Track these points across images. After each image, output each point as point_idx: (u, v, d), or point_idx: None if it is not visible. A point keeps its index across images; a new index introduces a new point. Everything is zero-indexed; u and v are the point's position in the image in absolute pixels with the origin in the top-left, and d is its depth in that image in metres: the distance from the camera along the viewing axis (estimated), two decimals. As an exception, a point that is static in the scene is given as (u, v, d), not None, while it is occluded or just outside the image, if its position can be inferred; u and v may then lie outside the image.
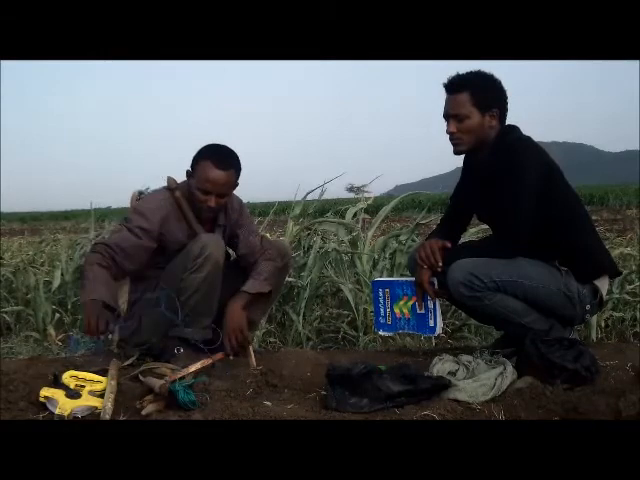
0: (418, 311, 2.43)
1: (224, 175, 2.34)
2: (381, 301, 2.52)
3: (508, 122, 2.37)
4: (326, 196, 3.61)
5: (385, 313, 2.52)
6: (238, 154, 2.44)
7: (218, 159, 2.35)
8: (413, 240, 3.60)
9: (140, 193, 2.52)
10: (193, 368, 2.02)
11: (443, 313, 3.12)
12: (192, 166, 2.40)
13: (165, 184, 2.48)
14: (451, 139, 2.33)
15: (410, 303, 2.45)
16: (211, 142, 2.43)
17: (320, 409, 1.86)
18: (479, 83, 2.30)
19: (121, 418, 1.81)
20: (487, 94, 2.30)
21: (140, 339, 2.38)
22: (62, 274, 3.79)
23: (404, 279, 2.59)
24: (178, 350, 2.34)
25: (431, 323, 2.42)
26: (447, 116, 2.32)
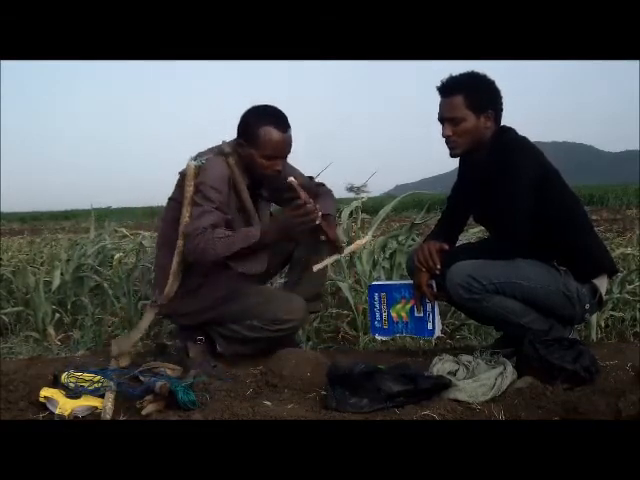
0: (416, 314, 2.42)
1: (288, 136, 2.31)
2: (377, 305, 2.51)
3: (509, 122, 2.37)
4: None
5: (381, 317, 2.51)
6: None
7: (279, 121, 2.29)
8: (413, 240, 3.60)
9: (197, 167, 2.32)
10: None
11: (442, 314, 3.12)
12: (246, 134, 2.31)
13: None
14: (447, 142, 2.33)
15: (408, 306, 2.44)
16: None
17: (320, 409, 1.86)
18: (473, 85, 2.29)
19: (121, 418, 1.81)
20: (481, 96, 2.30)
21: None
22: (62, 274, 3.79)
23: (401, 282, 2.59)
24: (200, 340, 2.37)
25: (430, 326, 2.41)
26: (442, 119, 2.32)
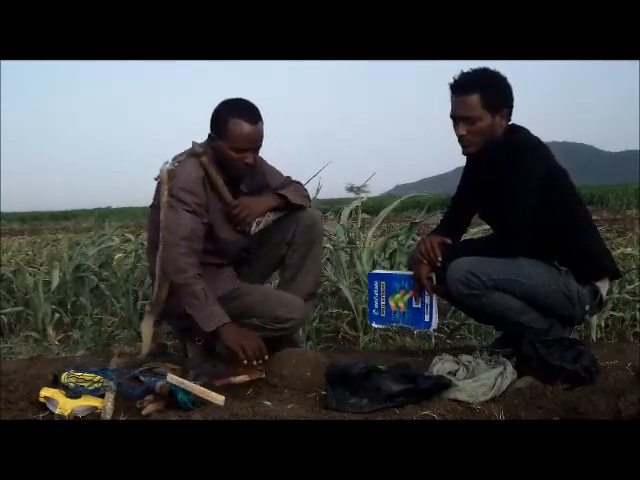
0: (414, 305, 2.42)
1: (257, 128, 2.29)
2: (376, 294, 2.51)
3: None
4: (326, 196, 3.60)
5: (379, 306, 2.51)
6: None
7: (247, 114, 2.28)
8: (413, 239, 3.60)
9: (169, 171, 2.32)
10: (239, 379, 2.06)
11: (442, 313, 3.12)
12: (216, 128, 2.31)
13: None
14: (460, 141, 2.30)
15: (407, 297, 2.44)
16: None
17: (320, 409, 1.86)
18: (489, 84, 2.25)
19: (121, 418, 1.81)
20: (498, 94, 2.26)
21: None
22: (63, 274, 3.79)
23: (402, 272, 2.60)
24: (198, 340, 2.37)
25: (427, 318, 2.41)
26: (456, 117, 2.28)
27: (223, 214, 2.35)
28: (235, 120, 2.26)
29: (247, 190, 2.45)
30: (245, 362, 2.09)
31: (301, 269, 2.48)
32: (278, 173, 2.55)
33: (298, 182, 2.58)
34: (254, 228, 2.49)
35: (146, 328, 2.39)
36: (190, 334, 2.42)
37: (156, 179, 2.34)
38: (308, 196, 2.56)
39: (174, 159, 2.34)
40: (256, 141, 2.31)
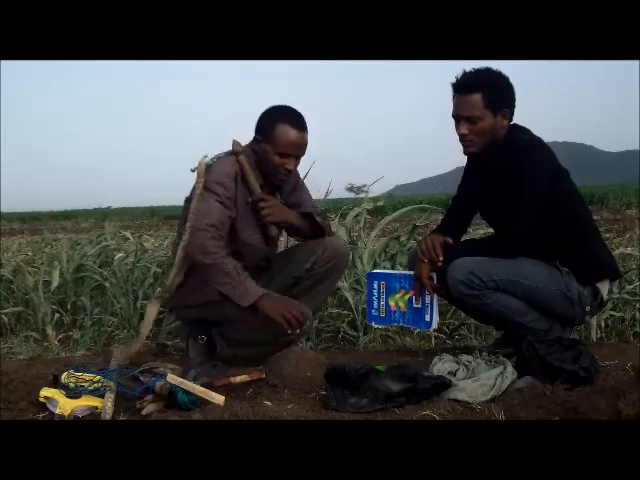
0: (414, 305, 2.42)
1: (303, 136, 2.34)
2: (375, 294, 2.51)
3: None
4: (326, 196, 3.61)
5: (379, 306, 2.51)
6: None
7: (296, 121, 2.33)
8: (415, 239, 3.60)
9: (208, 165, 2.36)
10: (239, 379, 2.08)
11: (442, 313, 3.12)
12: (263, 131, 2.35)
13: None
14: (462, 140, 2.30)
15: (407, 296, 2.44)
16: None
17: (320, 409, 1.86)
18: (491, 83, 2.26)
19: (121, 418, 1.81)
20: (500, 94, 2.27)
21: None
22: (62, 274, 3.79)
23: (402, 272, 2.59)
24: (202, 339, 2.37)
25: (427, 317, 2.41)
26: (458, 117, 2.29)
27: (248, 215, 2.36)
28: (283, 125, 2.30)
29: (280, 201, 2.48)
30: (289, 331, 2.14)
31: (309, 292, 2.47)
32: (311, 198, 2.60)
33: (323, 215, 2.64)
34: (276, 233, 2.49)
35: (150, 314, 2.39)
36: (195, 330, 2.41)
37: (192, 171, 2.38)
38: (330, 228, 2.60)
39: (215, 156, 2.39)
40: (300, 148, 2.35)
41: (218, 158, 2.37)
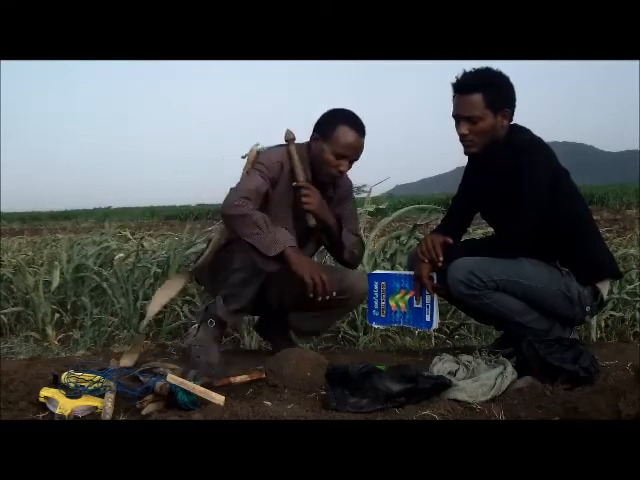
0: (415, 305, 2.42)
1: (361, 141, 2.38)
2: (375, 294, 2.51)
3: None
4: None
5: (379, 306, 2.51)
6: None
7: (357, 125, 2.37)
8: (416, 238, 3.61)
9: (258, 152, 2.42)
10: (239, 379, 2.08)
11: (442, 313, 3.12)
12: (323, 129, 2.38)
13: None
14: (462, 140, 2.31)
15: (407, 297, 2.44)
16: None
17: (320, 409, 1.86)
18: (492, 83, 2.26)
19: (121, 418, 1.81)
20: (500, 94, 2.27)
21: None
22: (62, 274, 3.79)
23: (402, 272, 2.59)
24: (211, 322, 2.34)
25: (428, 318, 2.40)
26: (458, 117, 2.29)
27: (283, 202, 2.37)
28: (344, 127, 2.34)
29: (331, 195, 2.50)
30: (312, 295, 2.13)
31: (321, 309, 2.44)
32: (357, 221, 2.67)
33: (362, 239, 2.67)
34: (313, 223, 2.44)
35: (175, 286, 2.47)
36: (206, 316, 2.37)
37: (243, 157, 2.42)
38: (360, 256, 2.62)
39: (268, 147, 2.45)
40: (357, 152, 2.38)
41: (269, 148, 2.43)
